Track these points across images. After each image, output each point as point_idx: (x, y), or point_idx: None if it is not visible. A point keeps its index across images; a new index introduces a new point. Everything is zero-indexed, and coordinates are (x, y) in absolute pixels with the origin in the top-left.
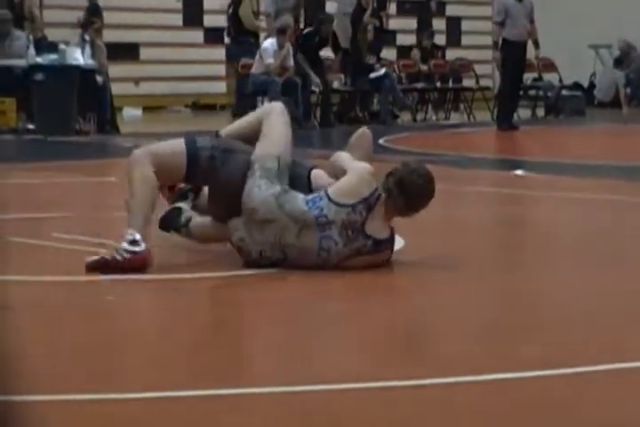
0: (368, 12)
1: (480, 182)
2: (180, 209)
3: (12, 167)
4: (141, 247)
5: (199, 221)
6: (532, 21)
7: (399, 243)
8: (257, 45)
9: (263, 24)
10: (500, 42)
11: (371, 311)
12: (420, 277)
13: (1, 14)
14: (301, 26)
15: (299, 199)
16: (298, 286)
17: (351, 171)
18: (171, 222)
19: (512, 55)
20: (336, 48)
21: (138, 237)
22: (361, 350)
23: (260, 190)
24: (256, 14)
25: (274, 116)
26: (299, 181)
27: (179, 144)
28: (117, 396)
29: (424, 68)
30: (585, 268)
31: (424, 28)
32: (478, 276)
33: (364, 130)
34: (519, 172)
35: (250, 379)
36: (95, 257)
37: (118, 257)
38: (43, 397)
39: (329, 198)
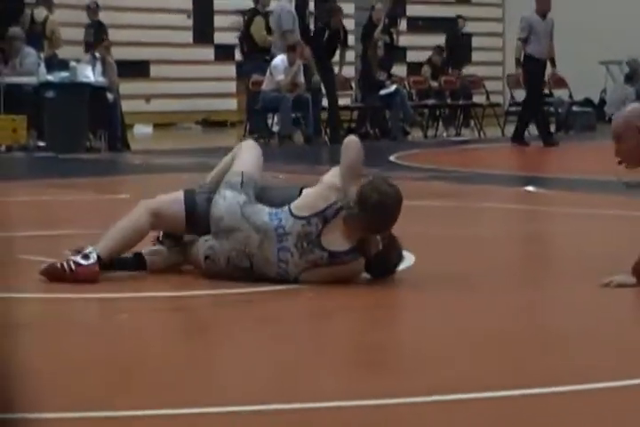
0: (379, 29)
1: (491, 198)
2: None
3: (22, 185)
4: (89, 261)
5: (150, 249)
6: (551, 39)
7: (409, 260)
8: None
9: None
10: (522, 58)
11: (373, 328)
12: (428, 294)
13: (12, 32)
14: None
15: (263, 211)
16: (297, 304)
17: (317, 185)
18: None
19: (535, 72)
20: (345, 43)
21: (94, 254)
22: (362, 367)
23: (225, 200)
24: (268, 31)
25: (244, 149)
26: (290, 200)
27: (178, 193)
28: (127, 413)
29: (434, 84)
30: (596, 284)
31: (453, 46)
32: (487, 293)
33: (349, 138)
34: (530, 188)
35: (259, 396)
36: (47, 264)
37: (66, 267)
38: (54, 414)
39: (290, 211)
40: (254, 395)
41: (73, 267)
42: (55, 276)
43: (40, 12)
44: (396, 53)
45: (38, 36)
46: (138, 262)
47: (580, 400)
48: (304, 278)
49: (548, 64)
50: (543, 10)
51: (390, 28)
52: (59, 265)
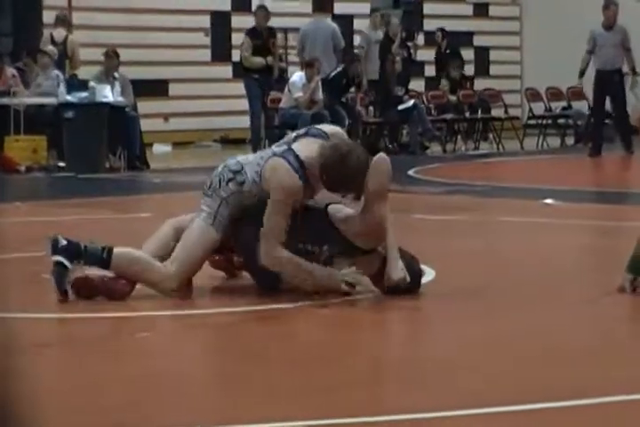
0: (396, 43)
1: (510, 212)
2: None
3: (43, 205)
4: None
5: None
6: (627, 49)
7: (429, 274)
8: (261, 81)
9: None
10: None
11: (392, 343)
12: (448, 308)
13: (49, 50)
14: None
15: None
16: (313, 320)
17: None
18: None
19: (597, 83)
20: (359, 87)
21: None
22: (389, 382)
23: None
24: (258, 52)
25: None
26: (315, 211)
27: None
28: None
29: (453, 98)
30: (618, 298)
31: (440, 59)
32: (506, 308)
33: (379, 159)
34: (549, 200)
35: (288, 413)
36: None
37: (95, 279)
38: None
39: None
40: (282, 412)
41: (105, 279)
42: (90, 283)
43: (60, 33)
44: (414, 68)
45: (60, 56)
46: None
47: (610, 413)
48: None
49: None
50: (606, 23)
51: (407, 43)
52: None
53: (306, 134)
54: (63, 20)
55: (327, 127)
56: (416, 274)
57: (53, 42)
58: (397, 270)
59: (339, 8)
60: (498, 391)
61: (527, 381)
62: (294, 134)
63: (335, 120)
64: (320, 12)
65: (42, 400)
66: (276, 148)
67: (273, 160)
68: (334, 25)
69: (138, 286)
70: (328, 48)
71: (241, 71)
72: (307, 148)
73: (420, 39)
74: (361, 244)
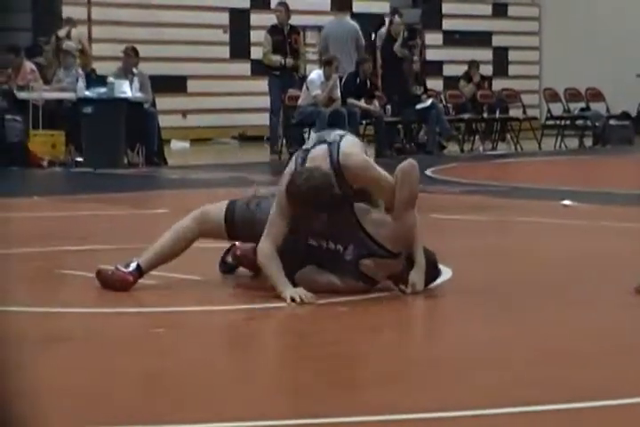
0: (398, 43)
1: (528, 212)
2: None
3: (61, 200)
4: (127, 269)
5: None
6: None
7: (446, 273)
8: (282, 78)
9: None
10: None
11: (408, 343)
12: (464, 308)
13: (67, 46)
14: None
15: None
16: (330, 319)
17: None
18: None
19: None
20: (372, 95)
21: (134, 264)
22: (398, 380)
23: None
24: (277, 50)
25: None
26: (342, 211)
27: (224, 201)
28: None
29: (469, 87)
30: (626, 302)
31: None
32: (522, 309)
33: (409, 164)
34: (567, 202)
35: (300, 411)
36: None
37: (109, 271)
38: None
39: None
40: (296, 409)
41: (114, 270)
42: (101, 276)
43: (64, 30)
44: (427, 67)
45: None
46: None
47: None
48: None
49: None
50: None
51: (409, 42)
52: (104, 269)
53: (326, 142)
54: (69, 21)
55: (347, 148)
56: (433, 267)
57: (57, 38)
58: (422, 282)
59: (357, 7)
60: (514, 391)
61: (543, 381)
62: (318, 139)
63: (349, 119)
64: (340, 10)
65: (52, 396)
66: (304, 146)
67: (291, 160)
68: (356, 24)
69: (147, 281)
70: (351, 48)
71: (262, 68)
72: (317, 158)
73: (439, 39)
74: (390, 247)
